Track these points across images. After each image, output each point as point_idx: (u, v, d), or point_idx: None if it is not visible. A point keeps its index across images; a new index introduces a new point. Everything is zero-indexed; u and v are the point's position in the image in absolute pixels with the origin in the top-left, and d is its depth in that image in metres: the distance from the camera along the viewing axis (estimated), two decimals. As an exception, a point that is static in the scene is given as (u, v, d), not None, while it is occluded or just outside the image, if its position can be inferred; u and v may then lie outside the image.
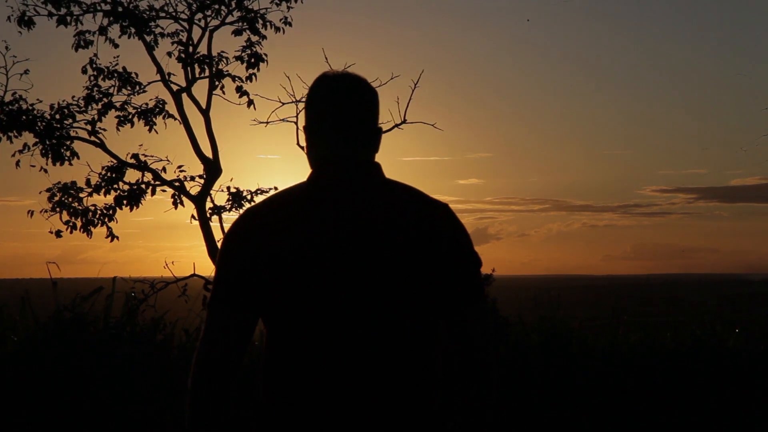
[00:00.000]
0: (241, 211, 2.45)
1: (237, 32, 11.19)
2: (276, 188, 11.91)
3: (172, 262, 11.02)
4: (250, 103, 11.20)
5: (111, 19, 10.89)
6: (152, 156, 11.22)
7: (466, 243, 2.33)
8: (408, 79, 11.29)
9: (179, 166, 11.31)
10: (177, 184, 11.28)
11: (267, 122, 11.22)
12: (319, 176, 2.31)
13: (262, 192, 11.81)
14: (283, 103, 11.23)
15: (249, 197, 11.72)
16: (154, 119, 11.08)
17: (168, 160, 11.28)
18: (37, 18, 10.85)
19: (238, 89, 11.20)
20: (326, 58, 10.99)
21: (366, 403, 2.20)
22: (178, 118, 11.24)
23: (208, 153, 11.29)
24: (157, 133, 11.15)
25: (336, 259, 2.21)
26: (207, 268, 11.31)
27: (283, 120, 11.29)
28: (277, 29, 11.19)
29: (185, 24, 11.22)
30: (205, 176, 11.33)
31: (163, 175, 11.20)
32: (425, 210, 2.30)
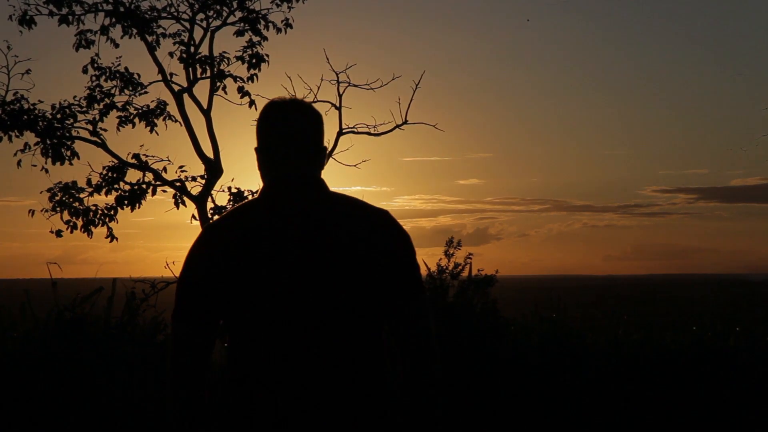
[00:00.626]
0: (203, 227, 2.68)
1: (239, 33, 11.20)
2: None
3: (173, 262, 11.03)
4: (252, 103, 11.21)
5: (113, 19, 10.90)
6: (153, 156, 11.23)
7: (403, 245, 2.60)
8: (409, 80, 11.31)
9: (180, 167, 11.32)
10: (178, 184, 11.29)
11: None
12: (271, 193, 2.61)
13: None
14: None
15: (250, 197, 11.72)
16: (155, 120, 11.09)
17: (169, 161, 11.29)
18: (39, 18, 10.87)
19: (240, 89, 11.22)
20: (327, 59, 11.02)
21: (318, 391, 2.49)
22: (179, 118, 11.25)
23: (209, 153, 11.30)
24: (158, 134, 11.17)
25: (288, 264, 2.50)
26: None
27: None
28: (279, 30, 11.21)
29: (187, 24, 11.24)
30: (206, 176, 11.34)
31: (164, 175, 11.21)
32: (366, 218, 2.57)
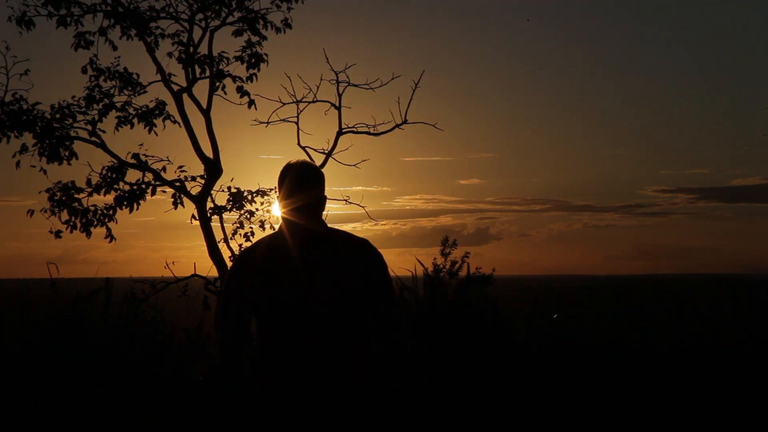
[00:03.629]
0: (240, 250, 3.05)
1: (237, 33, 11.19)
2: (277, 188, 11.88)
3: (173, 262, 11.03)
4: (251, 103, 11.20)
5: (111, 20, 10.89)
6: (153, 156, 11.22)
7: (380, 264, 3.77)
8: (409, 79, 11.28)
9: (180, 167, 11.30)
10: (177, 184, 11.28)
11: (268, 122, 11.22)
12: (288, 230, 3.75)
13: (263, 192, 11.81)
14: (284, 104, 11.24)
15: (249, 197, 11.72)
16: (154, 120, 11.08)
17: (168, 161, 11.28)
18: (38, 18, 10.86)
19: (239, 89, 11.20)
20: (327, 59, 11.01)
21: (324, 364, 3.61)
22: (179, 119, 11.24)
23: (208, 153, 11.29)
24: (156, 134, 11.16)
25: (299, 279, 3.64)
26: (208, 268, 11.31)
27: (283, 120, 11.30)
28: (278, 30, 11.19)
29: (186, 24, 11.22)
30: (205, 176, 11.33)
31: (163, 175, 11.20)
32: (353, 245, 3.75)
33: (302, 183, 3.75)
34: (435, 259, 7.75)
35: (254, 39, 11.16)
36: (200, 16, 11.18)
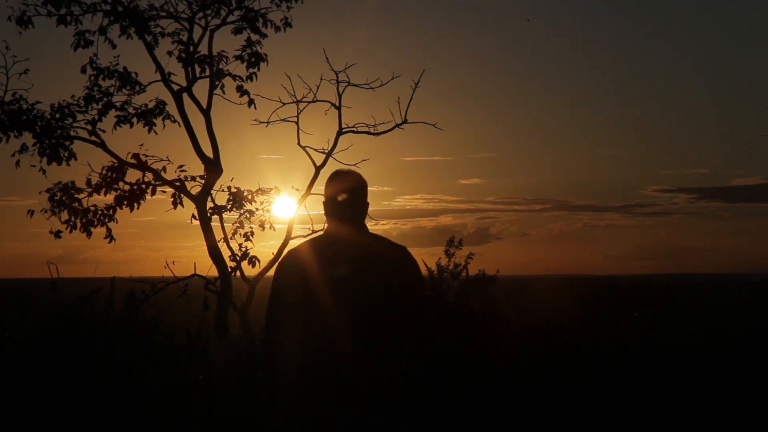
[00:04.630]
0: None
1: (237, 30, 11.17)
2: (277, 188, 11.90)
3: (173, 262, 11.02)
4: (251, 102, 11.19)
5: (111, 19, 10.88)
6: (153, 156, 11.21)
7: (416, 267, 4.02)
8: (409, 78, 11.28)
9: (180, 166, 11.30)
10: (177, 183, 11.27)
11: (268, 122, 11.21)
12: (333, 234, 4.00)
13: (263, 191, 11.80)
14: (284, 103, 11.24)
15: (249, 197, 11.71)
16: (153, 120, 11.07)
17: (169, 160, 11.28)
18: (37, 18, 10.85)
19: (239, 88, 11.20)
20: (327, 58, 10.99)
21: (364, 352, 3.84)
22: (178, 118, 11.22)
23: (208, 153, 11.28)
24: (156, 133, 11.15)
25: (340, 277, 3.88)
26: (207, 267, 11.30)
27: (283, 120, 11.29)
28: (278, 29, 11.18)
29: (186, 23, 11.21)
30: (205, 176, 11.32)
31: (163, 175, 11.19)
32: (393, 251, 4.02)
33: (355, 195, 4.05)
34: (440, 258, 7.73)
35: (254, 38, 11.16)
36: (200, 14, 11.18)
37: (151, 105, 11.11)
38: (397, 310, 3.92)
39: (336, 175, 4.14)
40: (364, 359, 3.87)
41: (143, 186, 11.12)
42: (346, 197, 4.05)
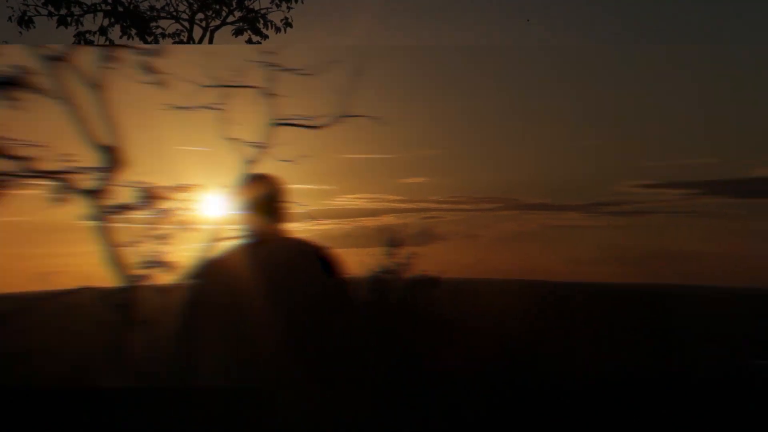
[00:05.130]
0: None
1: (238, 32, 11.15)
2: (197, 185, 11.53)
3: (52, 273, 10.42)
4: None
5: (112, 19, 10.89)
6: (18, 140, 10.77)
7: (339, 267, 3.99)
8: (350, 69, 11.04)
9: (62, 154, 10.85)
10: (60, 175, 10.79)
11: (185, 107, 10.84)
12: (255, 237, 4.02)
13: (183, 188, 11.46)
14: (207, 87, 10.94)
15: (163, 194, 11.42)
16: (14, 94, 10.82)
17: (45, 146, 10.90)
18: (38, 18, 10.88)
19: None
20: (260, 40, 10.86)
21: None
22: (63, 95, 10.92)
23: (106, 139, 10.97)
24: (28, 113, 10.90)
25: (268, 284, 3.92)
26: (100, 277, 10.41)
27: (204, 107, 10.99)
28: (278, 29, 11.14)
29: (186, 24, 11.20)
30: (102, 167, 10.95)
31: (37, 164, 10.74)
32: (305, 249, 4.00)
33: (271, 196, 4.13)
34: (380, 259, 7.58)
35: (255, 39, 11.12)
36: (200, 15, 11.17)
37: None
38: (325, 314, 3.90)
39: (253, 178, 4.20)
40: (296, 362, 3.87)
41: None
42: (265, 200, 4.09)
